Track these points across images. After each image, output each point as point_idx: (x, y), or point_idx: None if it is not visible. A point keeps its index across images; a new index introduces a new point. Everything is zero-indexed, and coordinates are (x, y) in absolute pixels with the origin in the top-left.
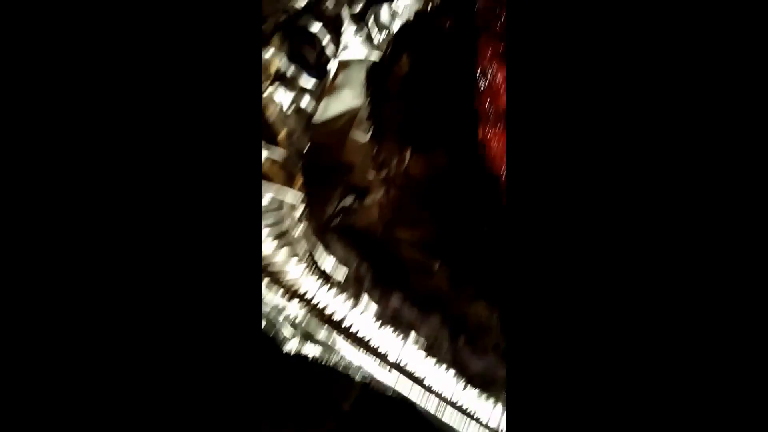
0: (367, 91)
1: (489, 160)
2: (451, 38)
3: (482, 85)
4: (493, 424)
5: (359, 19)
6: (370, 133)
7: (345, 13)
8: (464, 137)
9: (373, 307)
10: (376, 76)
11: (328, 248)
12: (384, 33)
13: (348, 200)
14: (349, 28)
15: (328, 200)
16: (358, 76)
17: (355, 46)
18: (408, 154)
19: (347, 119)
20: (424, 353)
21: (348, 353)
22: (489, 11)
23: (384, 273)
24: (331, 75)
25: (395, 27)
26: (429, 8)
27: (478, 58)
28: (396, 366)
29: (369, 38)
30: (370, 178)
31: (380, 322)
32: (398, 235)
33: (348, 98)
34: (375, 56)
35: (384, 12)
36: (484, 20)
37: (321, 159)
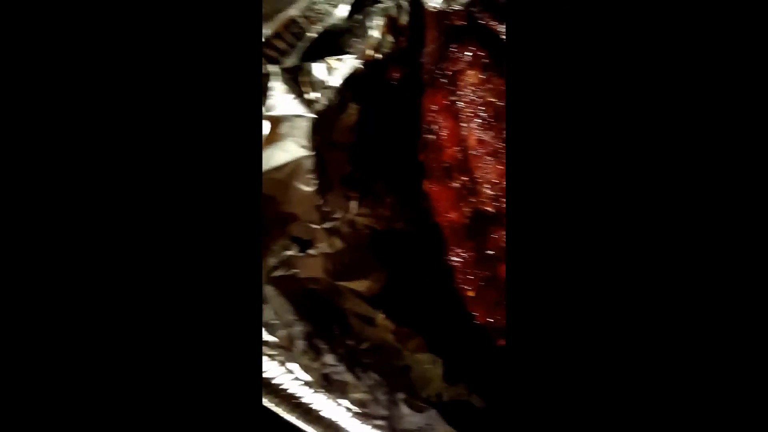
0: (312, 140)
1: (433, 213)
2: (399, 90)
3: (428, 139)
4: None
5: (290, 77)
6: (315, 183)
7: (274, 70)
8: (410, 189)
9: (304, 369)
10: (322, 125)
11: (266, 302)
12: (320, 90)
13: (291, 251)
14: (277, 87)
15: (269, 251)
16: (303, 125)
17: (285, 104)
18: (354, 204)
19: (291, 169)
20: (358, 414)
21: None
22: (433, 66)
23: (322, 328)
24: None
25: (335, 81)
26: (375, 59)
27: (423, 113)
28: (330, 427)
29: (301, 96)
30: (314, 229)
31: (311, 384)
32: (342, 286)
33: (292, 148)
34: (311, 113)
35: (319, 69)
36: (430, 75)
37: (264, 209)
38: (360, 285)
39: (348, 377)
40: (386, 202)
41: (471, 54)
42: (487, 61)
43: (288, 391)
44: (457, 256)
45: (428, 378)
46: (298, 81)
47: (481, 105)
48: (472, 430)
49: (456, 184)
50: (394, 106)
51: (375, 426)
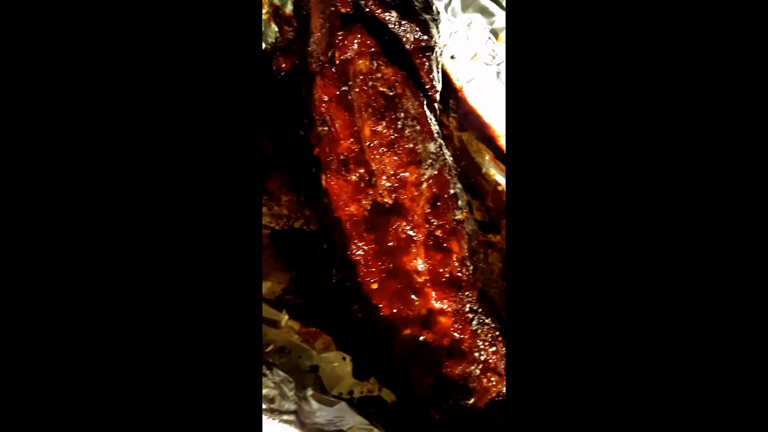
0: None
1: (333, 207)
2: (288, 82)
3: (321, 131)
4: None
5: None
6: None
7: None
8: (307, 185)
9: None
10: None
11: None
12: None
13: None
14: None
15: None
16: None
17: None
18: None
19: None
20: (265, 409)
21: None
22: (321, 54)
23: None
24: None
25: None
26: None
27: (315, 104)
28: None
29: None
30: None
31: None
32: None
33: None
34: None
35: None
36: (318, 64)
37: None
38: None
39: None
40: (283, 200)
41: (358, 42)
42: (375, 49)
43: None
44: (359, 249)
45: (338, 375)
46: None
47: (372, 95)
48: (382, 421)
49: (353, 177)
50: (283, 98)
51: (283, 421)
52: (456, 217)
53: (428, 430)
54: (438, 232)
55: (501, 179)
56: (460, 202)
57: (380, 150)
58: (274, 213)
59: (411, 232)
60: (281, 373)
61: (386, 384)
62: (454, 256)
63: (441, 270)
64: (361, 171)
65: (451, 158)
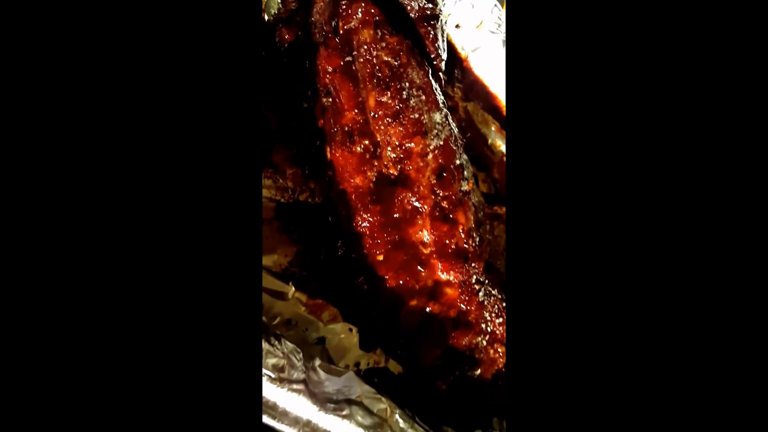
0: None
1: (338, 180)
2: (291, 54)
3: (326, 102)
4: None
5: None
6: None
7: None
8: (312, 158)
9: None
10: None
11: None
12: None
13: None
14: None
15: None
16: None
17: None
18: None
19: None
20: (274, 379)
21: None
22: (325, 23)
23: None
24: None
25: None
26: (264, 22)
27: (318, 76)
28: None
29: None
30: None
31: None
32: None
33: None
34: None
35: None
36: (322, 34)
37: None
38: (267, 260)
39: (263, 345)
40: (288, 173)
41: (362, 11)
42: (380, 18)
43: None
44: (365, 221)
45: (345, 347)
46: None
47: (377, 65)
48: (389, 391)
49: (359, 149)
50: (287, 71)
51: (293, 390)
52: (462, 189)
53: (435, 401)
54: (444, 204)
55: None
56: (466, 173)
57: (385, 121)
58: (279, 186)
59: (417, 204)
60: (289, 344)
61: (393, 355)
62: (461, 227)
63: (447, 241)
64: (366, 142)
65: (457, 129)
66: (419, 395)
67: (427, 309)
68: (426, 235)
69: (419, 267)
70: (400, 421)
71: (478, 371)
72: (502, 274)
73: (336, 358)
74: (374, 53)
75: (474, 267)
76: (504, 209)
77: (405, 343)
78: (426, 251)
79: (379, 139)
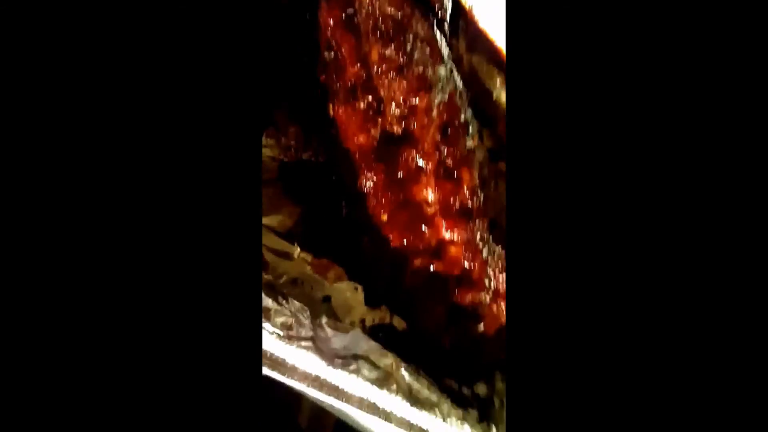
0: None
1: (341, 138)
2: (291, 8)
3: (327, 57)
4: (358, 394)
5: None
6: None
7: None
8: (314, 115)
9: None
10: None
11: None
12: None
13: None
14: None
15: None
16: None
17: None
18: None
19: None
20: (282, 336)
21: None
22: None
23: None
24: None
25: None
26: None
27: (320, 30)
28: None
29: None
30: None
31: None
32: None
33: None
34: None
35: None
36: None
37: None
38: (272, 220)
39: (269, 303)
40: (290, 131)
41: None
42: None
43: None
44: (369, 180)
45: (350, 305)
46: None
47: (379, 17)
48: (395, 347)
49: (362, 105)
50: (286, 25)
51: (301, 347)
52: (467, 145)
53: (439, 355)
54: (449, 161)
55: None
56: (471, 129)
57: (389, 75)
58: (282, 145)
59: (421, 162)
60: (296, 302)
61: (397, 312)
62: (465, 185)
63: (452, 200)
64: (370, 98)
65: (462, 83)
66: (423, 350)
67: (432, 268)
68: (430, 194)
69: (423, 226)
70: (406, 374)
71: (481, 327)
72: (505, 231)
73: (342, 315)
74: (377, 5)
75: (478, 225)
76: None
77: (409, 300)
78: (430, 210)
79: (383, 95)
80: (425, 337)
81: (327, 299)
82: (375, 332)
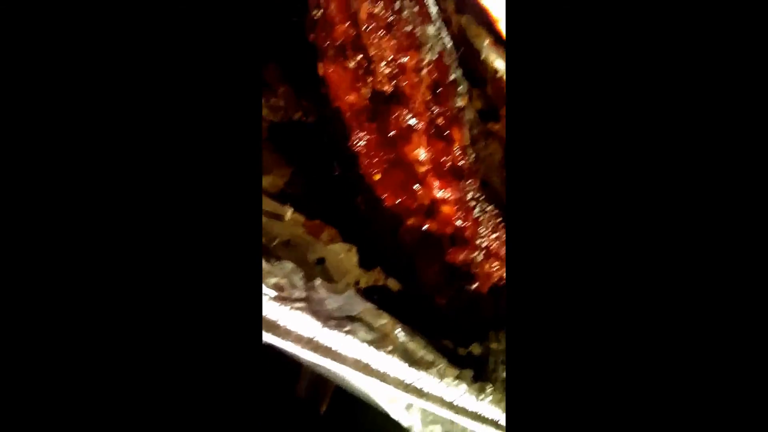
0: None
1: (332, 97)
2: None
3: (316, 15)
4: (353, 355)
5: None
6: None
7: None
8: (304, 74)
9: None
10: None
11: None
12: None
13: None
14: None
15: None
16: None
17: None
18: None
19: None
20: (276, 297)
21: None
22: None
23: None
24: None
25: None
26: None
27: None
28: None
29: None
30: None
31: None
32: None
33: None
34: None
35: None
36: None
37: None
38: (264, 181)
39: (262, 265)
40: (280, 91)
41: None
42: None
43: None
44: (361, 140)
45: (344, 267)
46: None
47: None
48: (389, 308)
49: (352, 64)
50: None
51: (295, 308)
52: (457, 104)
53: (434, 315)
54: (439, 120)
55: (501, 65)
56: (460, 89)
57: (378, 34)
58: (272, 105)
59: (412, 121)
60: (289, 264)
61: (392, 273)
62: (456, 144)
63: (443, 159)
64: (360, 57)
65: (451, 42)
66: (418, 311)
67: (425, 227)
68: (422, 153)
69: (416, 185)
70: (401, 334)
71: (475, 286)
72: (497, 190)
73: (336, 276)
74: None
75: (469, 184)
76: (498, 126)
77: (404, 260)
78: (422, 169)
79: (372, 54)
80: (420, 297)
81: (321, 261)
82: (370, 293)
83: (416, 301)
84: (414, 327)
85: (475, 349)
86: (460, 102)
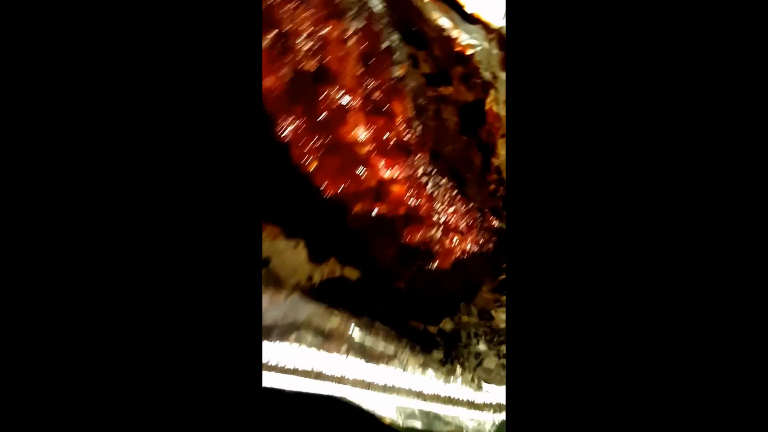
0: None
1: None
2: None
3: None
4: (303, 366)
5: None
6: None
7: None
8: None
9: None
10: None
11: None
12: None
13: None
14: None
15: None
16: None
17: None
18: None
19: None
20: None
21: None
22: None
23: None
24: None
25: None
26: None
27: None
28: None
29: None
30: None
31: None
32: None
33: None
34: None
35: None
36: None
37: None
38: None
39: None
40: None
41: None
42: None
43: None
44: (288, 127)
45: (292, 265)
46: None
47: None
48: (345, 302)
49: (264, 43)
50: None
51: None
52: (395, 74)
53: (395, 301)
54: (376, 95)
55: (445, 22)
56: (397, 56)
57: (291, 5)
58: None
59: (344, 99)
60: None
61: (348, 261)
62: (399, 118)
63: (386, 136)
64: (273, 34)
65: (380, 4)
66: (379, 298)
67: (375, 211)
68: (361, 133)
69: (359, 169)
70: (357, 330)
71: (436, 263)
72: (452, 160)
73: (284, 276)
74: None
75: (419, 158)
76: (450, 89)
77: (357, 248)
78: (364, 150)
79: (287, 28)
80: (380, 283)
81: (265, 262)
82: (325, 289)
83: (376, 288)
84: (373, 319)
85: (447, 324)
86: (398, 71)
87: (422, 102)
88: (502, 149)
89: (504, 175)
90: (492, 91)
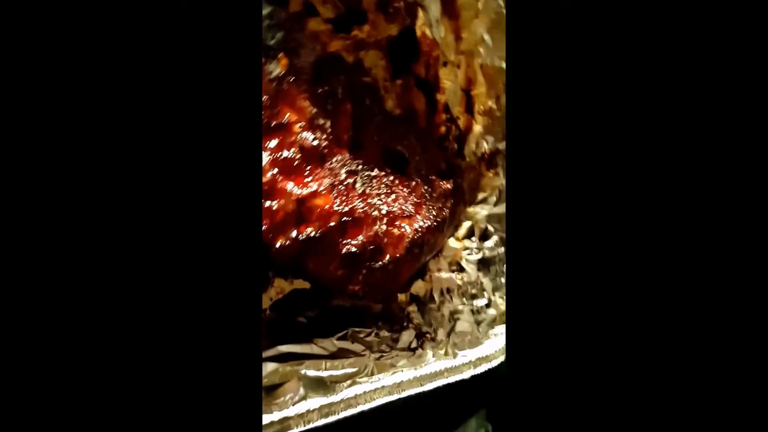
0: None
1: None
2: None
3: None
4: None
5: None
6: None
7: None
8: None
9: None
10: None
11: None
12: None
13: None
14: None
15: None
16: None
17: None
18: None
19: None
20: None
21: None
22: None
23: None
24: None
25: None
26: None
27: None
28: None
29: None
30: None
31: None
32: None
33: None
34: None
35: None
36: None
37: None
38: None
39: None
40: None
41: None
42: None
43: None
44: None
45: None
46: None
47: None
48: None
49: None
50: None
51: None
52: (273, 74)
53: (354, 305)
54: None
55: None
56: (271, 53)
57: None
58: None
59: None
60: None
61: (290, 275)
62: (295, 126)
63: (286, 152)
64: None
65: None
66: (335, 309)
67: (301, 236)
68: None
69: (267, 200)
70: (309, 370)
71: (387, 256)
72: (377, 142)
73: None
74: None
75: (338, 160)
76: (366, 28)
77: (297, 269)
78: (266, 177)
79: None
80: (332, 294)
81: None
82: (284, 305)
83: (329, 298)
84: (330, 333)
85: (412, 308)
86: (276, 68)
87: (321, 91)
88: (446, 81)
89: (453, 112)
90: (420, 12)
